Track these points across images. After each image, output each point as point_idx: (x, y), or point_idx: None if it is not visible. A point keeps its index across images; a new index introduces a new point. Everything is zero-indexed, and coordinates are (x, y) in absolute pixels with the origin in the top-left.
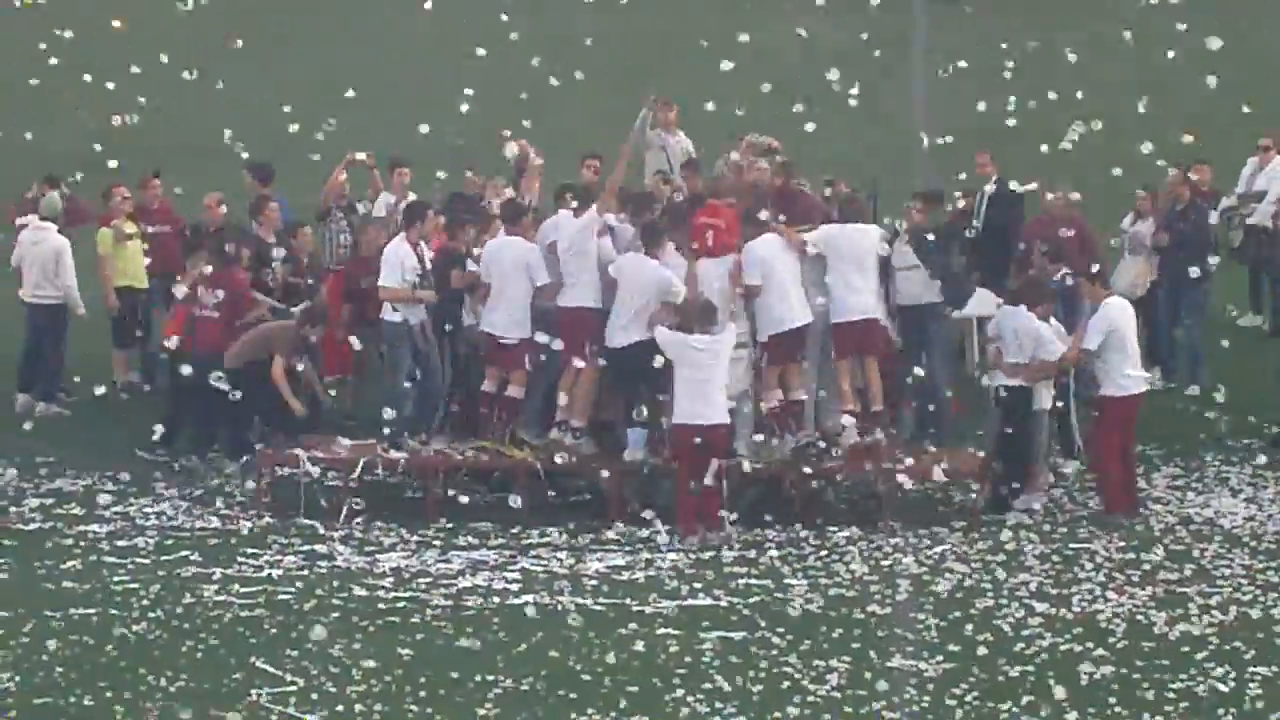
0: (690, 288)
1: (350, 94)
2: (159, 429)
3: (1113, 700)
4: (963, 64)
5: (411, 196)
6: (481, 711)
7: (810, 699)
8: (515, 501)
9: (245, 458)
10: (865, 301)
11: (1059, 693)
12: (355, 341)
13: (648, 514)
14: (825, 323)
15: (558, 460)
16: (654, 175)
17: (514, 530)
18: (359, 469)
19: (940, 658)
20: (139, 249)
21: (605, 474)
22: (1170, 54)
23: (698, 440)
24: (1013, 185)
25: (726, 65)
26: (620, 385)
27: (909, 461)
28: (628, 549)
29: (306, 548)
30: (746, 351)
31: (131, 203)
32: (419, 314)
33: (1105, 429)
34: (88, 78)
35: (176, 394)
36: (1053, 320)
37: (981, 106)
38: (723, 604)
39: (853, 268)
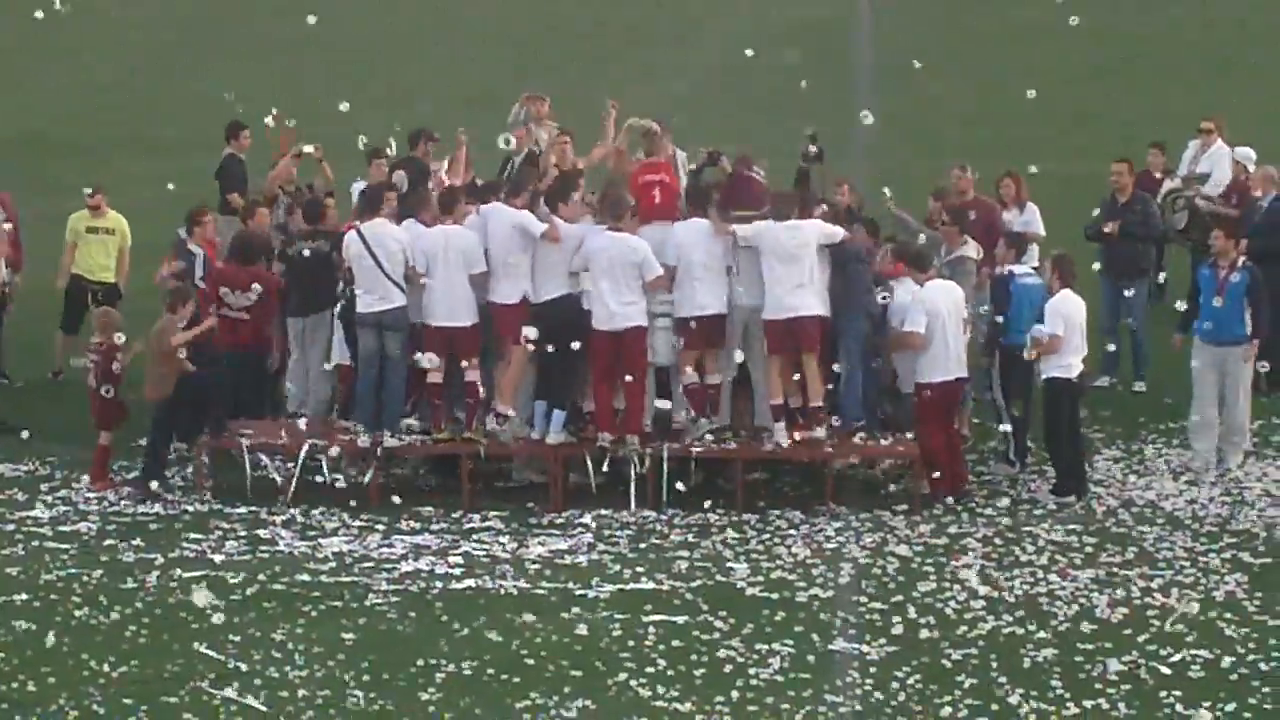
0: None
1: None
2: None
3: (1055, 683)
4: None
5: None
6: (425, 696)
7: (753, 682)
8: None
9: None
10: (796, 299)
11: (1001, 675)
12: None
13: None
14: (756, 315)
15: (503, 445)
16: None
17: (456, 514)
18: (302, 454)
19: (883, 641)
20: (102, 245)
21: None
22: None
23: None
24: None
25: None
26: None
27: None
28: (570, 533)
29: (249, 533)
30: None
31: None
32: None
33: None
34: None
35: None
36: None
37: None
38: (665, 587)
39: (784, 264)
